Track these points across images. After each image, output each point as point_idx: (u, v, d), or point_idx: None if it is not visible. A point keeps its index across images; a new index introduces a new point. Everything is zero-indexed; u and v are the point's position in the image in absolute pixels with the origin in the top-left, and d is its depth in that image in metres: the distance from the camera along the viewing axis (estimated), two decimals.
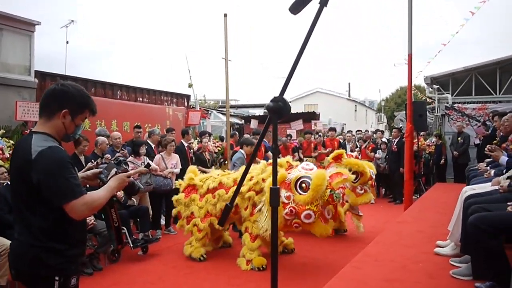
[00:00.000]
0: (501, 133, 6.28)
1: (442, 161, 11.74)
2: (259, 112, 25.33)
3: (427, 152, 11.93)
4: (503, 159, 4.31)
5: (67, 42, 18.83)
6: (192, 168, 6.36)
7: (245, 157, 6.87)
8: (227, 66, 9.65)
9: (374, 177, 6.82)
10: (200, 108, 13.57)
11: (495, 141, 6.69)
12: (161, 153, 7.27)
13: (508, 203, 2.80)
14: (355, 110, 33.95)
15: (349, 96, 38.29)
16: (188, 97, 12.51)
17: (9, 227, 4.58)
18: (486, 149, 4.53)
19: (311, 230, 4.86)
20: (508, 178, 3.46)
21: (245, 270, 5.20)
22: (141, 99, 10.56)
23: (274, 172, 1.53)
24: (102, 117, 8.62)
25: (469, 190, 4.11)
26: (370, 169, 6.63)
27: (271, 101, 1.36)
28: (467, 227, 2.71)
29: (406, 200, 8.01)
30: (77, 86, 2.08)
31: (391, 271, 3.47)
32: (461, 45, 78.19)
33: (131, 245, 5.80)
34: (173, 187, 6.87)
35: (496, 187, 3.53)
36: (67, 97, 2.02)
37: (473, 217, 2.69)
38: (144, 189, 6.80)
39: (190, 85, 12.82)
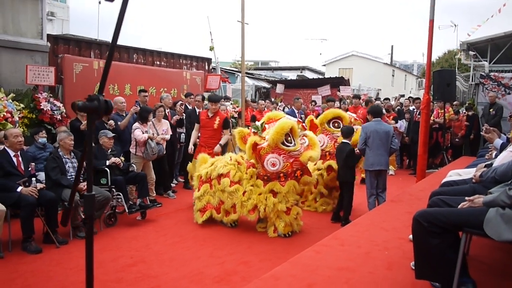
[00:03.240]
0: None
1: (472, 136, 11.09)
2: (293, 75, 24.89)
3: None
4: (497, 142, 3.99)
5: (99, 2, 18.96)
6: (202, 156, 6.32)
7: None
8: (243, 29, 9.45)
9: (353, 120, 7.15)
10: (221, 71, 13.43)
11: None
12: (151, 120, 7.14)
13: (467, 198, 2.55)
14: (393, 75, 32.50)
15: (391, 59, 36.65)
16: (209, 60, 12.37)
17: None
18: (482, 129, 4.19)
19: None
20: (485, 166, 3.17)
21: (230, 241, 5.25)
22: (158, 62, 10.53)
23: (89, 178, 1.43)
24: (115, 81, 8.70)
25: (453, 175, 3.84)
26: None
27: (86, 99, 1.25)
28: (412, 222, 2.50)
29: (419, 175, 7.70)
30: None
31: (351, 258, 3.33)
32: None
33: (127, 211, 5.95)
34: (164, 152, 7.04)
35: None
36: None
37: (417, 212, 2.48)
38: (150, 158, 6.86)
39: (211, 48, 12.64)
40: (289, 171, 5.27)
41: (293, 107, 10.92)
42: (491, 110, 10.63)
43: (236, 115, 10.86)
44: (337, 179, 6.21)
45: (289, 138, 5.32)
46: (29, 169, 5.34)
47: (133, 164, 6.56)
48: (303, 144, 5.39)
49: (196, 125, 7.24)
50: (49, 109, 7.18)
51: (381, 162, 5.84)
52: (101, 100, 1.24)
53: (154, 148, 6.73)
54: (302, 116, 10.61)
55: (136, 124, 6.89)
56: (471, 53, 12.63)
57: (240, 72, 19.14)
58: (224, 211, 5.73)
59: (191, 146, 7.11)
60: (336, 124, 6.86)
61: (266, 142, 5.30)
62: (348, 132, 6.05)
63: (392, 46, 41.95)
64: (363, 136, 5.95)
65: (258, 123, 5.69)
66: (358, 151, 6.01)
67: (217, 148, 6.80)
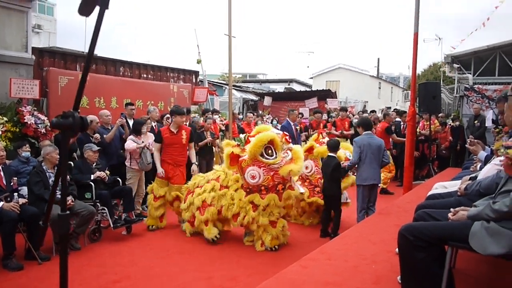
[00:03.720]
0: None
1: (458, 147, 11.19)
2: (280, 87, 25.02)
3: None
4: (482, 154, 4.01)
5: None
6: (196, 176, 6.31)
7: None
8: (231, 42, 9.47)
9: (349, 157, 6.40)
10: (208, 84, 13.45)
11: (497, 129, 6.25)
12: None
13: (452, 209, 2.55)
14: (379, 88, 32.91)
15: (378, 72, 37.12)
16: (196, 73, 12.36)
17: None
18: (467, 141, 4.23)
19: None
20: (470, 179, 3.19)
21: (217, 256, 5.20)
22: (145, 75, 10.48)
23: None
24: (101, 94, 8.62)
25: (439, 187, 3.84)
26: (345, 150, 6.64)
27: (61, 116, 1.22)
28: (398, 236, 2.49)
29: (405, 186, 7.72)
30: None
31: (338, 273, 3.30)
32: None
33: (112, 226, 5.85)
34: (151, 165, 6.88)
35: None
36: None
37: (403, 227, 2.48)
38: (145, 167, 6.80)
39: (198, 61, 12.66)
40: (271, 184, 5.23)
41: (288, 119, 10.84)
42: (475, 121, 10.78)
43: (223, 128, 10.83)
44: (322, 192, 6.16)
45: (269, 151, 5.27)
46: (12, 183, 5.24)
47: (118, 179, 6.45)
48: (286, 157, 5.30)
49: (157, 145, 6.44)
50: (33, 122, 7.07)
51: (375, 176, 5.82)
52: (76, 116, 1.20)
53: (148, 157, 6.71)
54: (298, 127, 10.58)
55: (131, 137, 6.83)
56: (455, 65, 12.85)
57: (227, 84, 19.22)
58: (200, 221, 5.70)
59: (161, 170, 6.33)
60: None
61: (247, 154, 5.30)
62: (334, 146, 6.03)
63: (378, 59, 42.74)
64: (357, 151, 5.88)
65: (242, 136, 5.69)
66: (345, 164, 6.01)
67: (195, 167, 6.64)
